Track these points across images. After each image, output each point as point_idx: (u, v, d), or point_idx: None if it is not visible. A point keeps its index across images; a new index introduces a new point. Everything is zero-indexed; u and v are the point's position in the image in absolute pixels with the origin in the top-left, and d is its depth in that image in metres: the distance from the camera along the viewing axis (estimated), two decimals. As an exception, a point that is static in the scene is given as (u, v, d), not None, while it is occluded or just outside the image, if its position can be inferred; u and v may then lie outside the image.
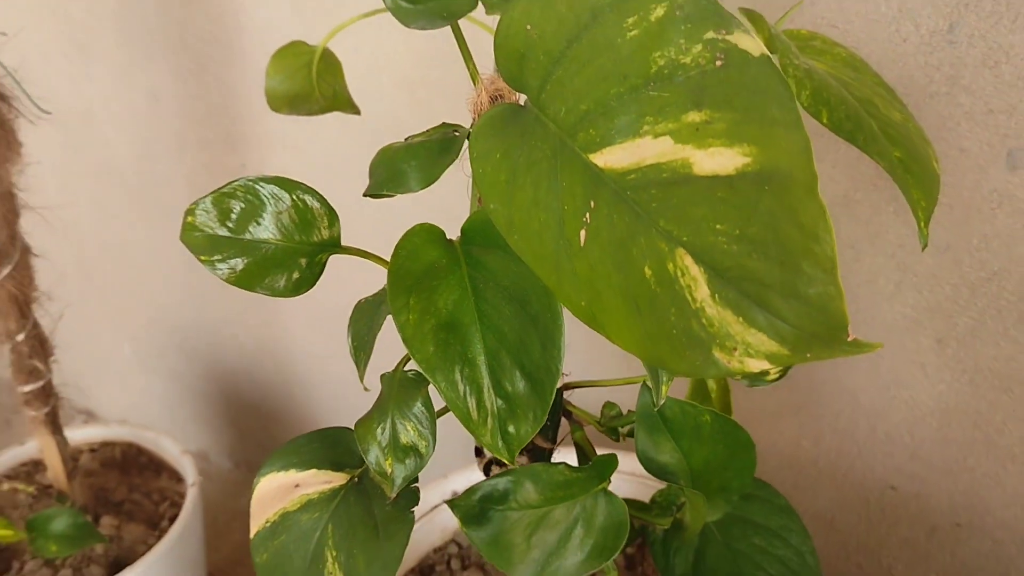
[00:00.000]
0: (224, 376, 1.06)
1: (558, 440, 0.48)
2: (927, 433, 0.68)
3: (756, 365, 0.26)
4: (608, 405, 0.46)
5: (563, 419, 0.49)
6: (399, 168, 0.40)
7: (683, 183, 0.27)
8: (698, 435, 0.40)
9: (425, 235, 0.37)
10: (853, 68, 0.44)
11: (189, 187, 0.93)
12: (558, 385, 0.47)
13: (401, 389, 0.35)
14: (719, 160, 0.26)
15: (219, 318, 1.01)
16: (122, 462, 0.87)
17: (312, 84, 0.54)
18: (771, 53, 0.41)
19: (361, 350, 0.45)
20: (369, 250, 0.42)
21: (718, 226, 0.26)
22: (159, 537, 0.75)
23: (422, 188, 0.40)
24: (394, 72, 0.76)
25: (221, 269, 0.35)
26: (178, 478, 0.84)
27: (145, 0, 0.84)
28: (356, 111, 0.57)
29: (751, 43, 0.26)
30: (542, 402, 0.34)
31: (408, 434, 0.34)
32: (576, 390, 0.48)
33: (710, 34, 0.26)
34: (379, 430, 0.34)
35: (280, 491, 0.37)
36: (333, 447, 0.38)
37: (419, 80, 0.75)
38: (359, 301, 0.44)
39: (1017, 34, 0.54)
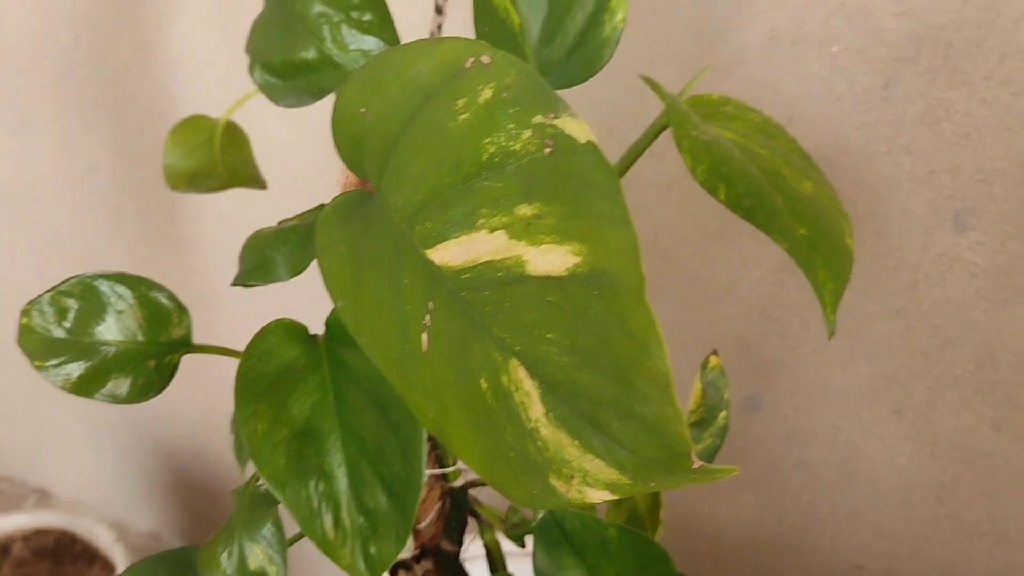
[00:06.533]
0: (174, 455, 1.02)
1: (467, 541, 0.44)
2: (891, 508, 0.63)
3: (597, 496, 0.23)
4: (512, 510, 0.42)
5: (473, 518, 0.45)
6: (267, 256, 0.37)
7: (516, 284, 0.24)
8: (605, 551, 0.36)
9: (283, 332, 0.33)
10: (766, 134, 0.41)
11: (128, 260, 0.90)
12: (459, 483, 0.43)
13: (251, 507, 0.31)
14: (551, 259, 0.23)
15: (167, 397, 0.98)
16: (55, 551, 0.82)
17: (215, 159, 0.52)
18: (667, 124, 0.39)
19: (243, 447, 0.41)
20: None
21: (549, 335, 0.23)
22: (85, 635, 0.71)
23: (292, 277, 0.37)
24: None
25: (56, 375, 0.32)
26: (111, 568, 0.79)
27: (77, 72, 0.82)
28: (261, 186, 0.54)
29: (578, 128, 0.23)
30: (404, 520, 0.31)
31: (257, 559, 0.30)
32: (485, 487, 0.44)
33: (538, 118, 0.23)
34: (225, 555, 0.30)
35: (118, 625, 0.33)
36: (182, 573, 0.34)
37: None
38: (239, 397, 0.41)
39: (956, 90, 0.51)
